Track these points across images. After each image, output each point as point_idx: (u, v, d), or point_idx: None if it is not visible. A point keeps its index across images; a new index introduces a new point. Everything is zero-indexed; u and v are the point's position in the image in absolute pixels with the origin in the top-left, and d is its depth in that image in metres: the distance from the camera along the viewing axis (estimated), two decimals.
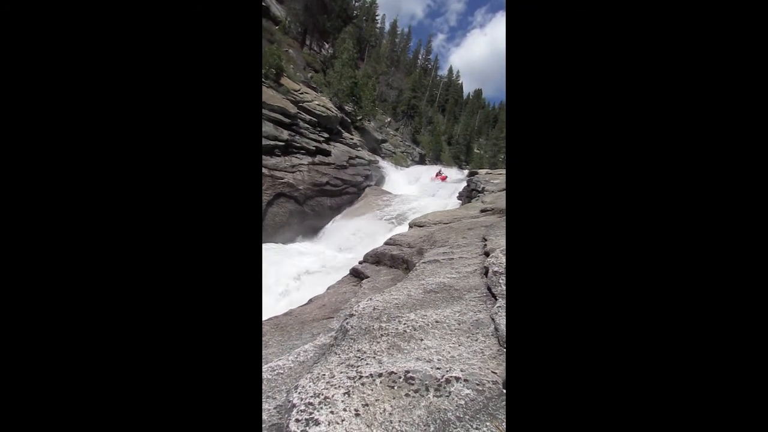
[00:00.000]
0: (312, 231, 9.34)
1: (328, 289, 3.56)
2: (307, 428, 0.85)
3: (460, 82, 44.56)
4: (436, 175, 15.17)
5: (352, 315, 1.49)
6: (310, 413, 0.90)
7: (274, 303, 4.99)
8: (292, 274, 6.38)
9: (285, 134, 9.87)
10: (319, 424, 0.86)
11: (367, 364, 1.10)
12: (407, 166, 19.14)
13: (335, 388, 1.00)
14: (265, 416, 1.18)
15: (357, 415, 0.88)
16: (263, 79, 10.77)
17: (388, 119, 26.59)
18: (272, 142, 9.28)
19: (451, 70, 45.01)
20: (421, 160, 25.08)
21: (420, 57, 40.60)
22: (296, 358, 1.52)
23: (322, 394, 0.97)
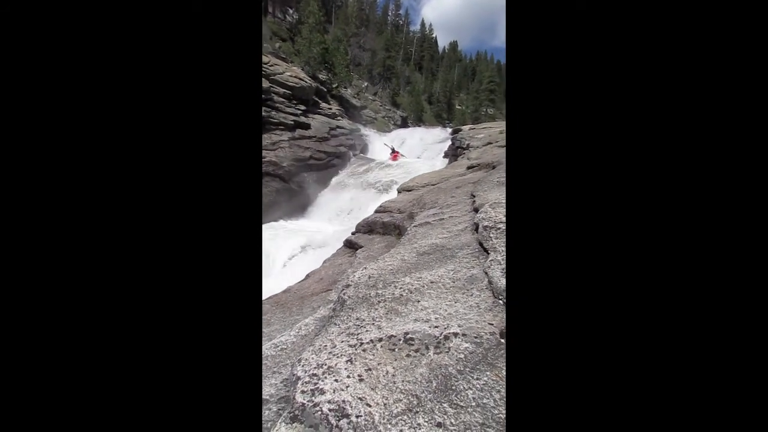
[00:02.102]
0: (301, 207, 9.26)
1: (324, 262, 3.57)
2: (313, 398, 0.87)
3: (434, 36, 42.65)
4: (391, 155, 12.75)
5: (348, 285, 1.50)
6: (315, 383, 0.92)
7: (271, 282, 5.02)
8: (286, 251, 6.38)
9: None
10: (325, 392, 0.87)
11: (366, 330, 1.11)
12: (390, 131, 18.74)
13: (337, 357, 1.01)
14: (273, 390, 1.21)
15: (361, 380, 0.89)
16: None
17: (365, 84, 25.64)
18: None
19: (423, 24, 43.05)
20: (404, 123, 24.54)
21: (390, 13, 38.48)
22: (298, 332, 1.54)
23: (326, 365, 0.99)
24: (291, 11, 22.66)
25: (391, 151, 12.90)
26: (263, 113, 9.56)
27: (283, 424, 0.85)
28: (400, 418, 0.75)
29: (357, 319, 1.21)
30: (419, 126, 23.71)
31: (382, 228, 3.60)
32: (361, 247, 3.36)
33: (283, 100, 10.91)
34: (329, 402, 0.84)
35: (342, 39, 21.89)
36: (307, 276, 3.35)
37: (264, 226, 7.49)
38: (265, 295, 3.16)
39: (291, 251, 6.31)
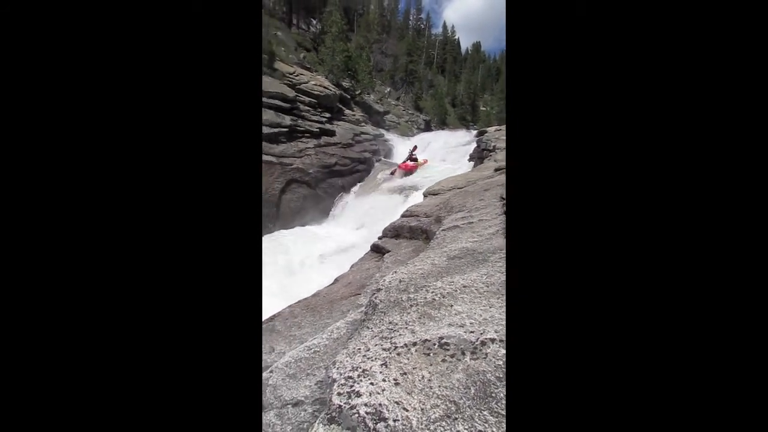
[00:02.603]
0: (327, 212, 9.41)
1: (352, 267, 3.61)
2: (350, 400, 0.88)
3: (456, 37, 42.32)
4: (403, 163, 10.51)
5: (379, 289, 1.50)
6: (351, 386, 0.92)
7: (300, 286, 5.13)
8: (314, 256, 6.50)
9: (287, 120, 9.77)
10: (361, 395, 0.88)
11: (400, 334, 1.11)
12: (413, 135, 18.74)
13: (372, 360, 1.02)
14: (308, 392, 1.23)
15: (396, 384, 0.89)
16: None
17: (388, 89, 25.82)
18: (276, 129, 9.22)
19: (445, 27, 42.75)
20: (427, 127, 24.45)
21: (411, 18, 38.59)
22: (330, 335, 1.56)
23: (360, 368, 0.99)
24: (314, 22, 23.29)
25: (409, 156, 10.87)
26: (290, 122, 9.85)
27: (321, 425, 0.86)
28: (438, 424, 0.74)
29: (390, 323, 1.21)
30: (443, 129, 23.54)
31: (409, 232, 3.59)
32: (388, 251, 3.37)
33: (309, 108, 11.19)
34: (366, 405, 0.84)
35: (364, 46, 22.22)
36: (336, 280, 3.39)
37: (291, 231, 7.68)
38: (294, 299, 3.23)
39: (318, 256, 6.42)
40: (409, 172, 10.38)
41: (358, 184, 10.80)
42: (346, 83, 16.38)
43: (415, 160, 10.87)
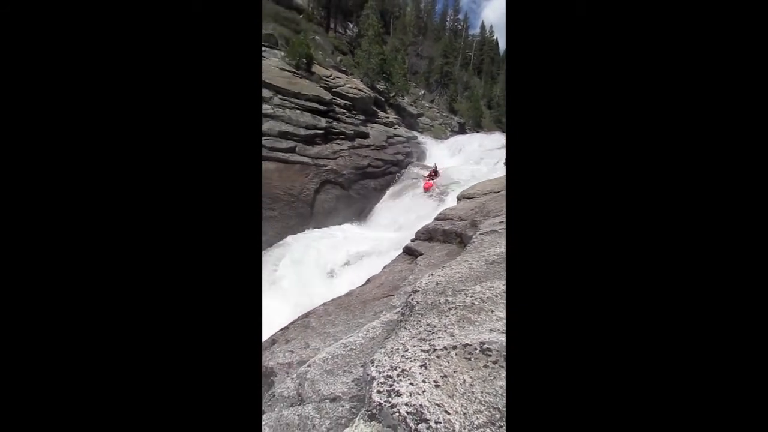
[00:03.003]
0: (359, 214, 9.53)
1: (384, 268, 3.63)
2: (390, 399, 0.88)
3: (494, 38, 41.33)
4: (428, 178, 10.27)
5: (416, 291, 1.50)
6: (391, 385, 0.93)
7: (332, 285, 5.23)
8: (346, 256, 6.61)
9: (323, 122, 10.02)
10: (401, 395, 0.88)
11: (439, 337, 1.10)
12: (446, 138, 18.52)
13: (411, 361, 1.02)
14: (345, 388, 1.25)
15: (437, 386, 0.89)
16: (295, 70, 10.92)
17: (422, 91, 25.73)
18: (312, 131, 9.48)
19: (483, 27, 41.91)
20: (461, 130, 24.06)
21: (448, 19, 38.22)
22: (366, 334, 1.58)
23: (399, 367, 1.00)
24: (351, 25, 23.74)
25: (431, 171, 10.47)
26: (326, 124, 10.09)
27: (362, 421, 0.87)
28: (482, 430, 0.73)
29: (428, 324, 1.21)
30: (477, 132, 23.07)
31: (443, 236, 3.55)
32: (421, 254, 3.36)
33: (344, 111, 11.41)
34: (406, 405, 0.84)
35: (400, 49, 22.32)
36: (368, 281, 3.43)
37: (324, 231, 7.85)
38: (327, 297, 3.30)
39: (349, 256, 6.52)
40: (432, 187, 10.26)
41: (391, 186, 10.84)
42: (380, 86, 16.53)
43: (436, 175, 10.67)
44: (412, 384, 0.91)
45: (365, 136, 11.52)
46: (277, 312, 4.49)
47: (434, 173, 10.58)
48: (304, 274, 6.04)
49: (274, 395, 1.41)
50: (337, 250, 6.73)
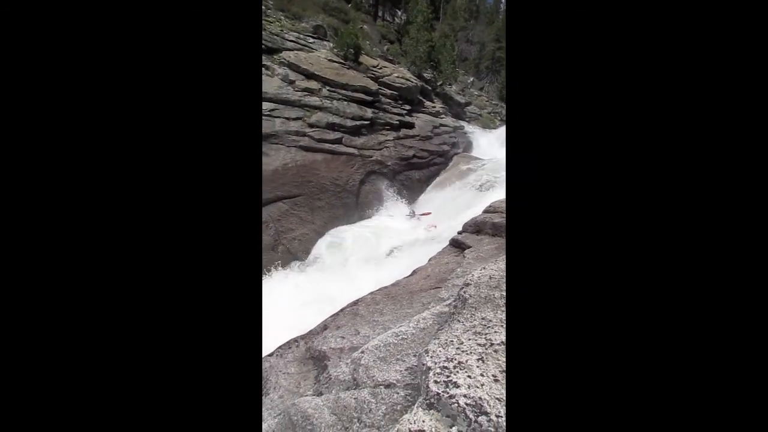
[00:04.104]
0: (404, 205, 9.53)
1: (430, 260, 3.62)
2: (447, 389, 0.90)
3: None
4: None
5: (468, 284, 1.49)
6: (447, 376, 0.94)
7: (377, 276, 5.34)
8: (391, 247, 6.68)
9: (369, 112, 10.09)
10: (459, 386, 0.89)
11: (495, 332, 1.09)
12: (495, 128, 17.76)
13: (467, 354, 1.02)
14: (398, 376, 1.29)
15: (496, 380, 0.88)
16: (343, 61, 11.06)
17: (471, 79, 24.78)
18: (358, 122, 9.60)
19: None
20: None
21: (503, 1, 36.19)
22: (417, 325, 1.60)
23: (455, 359, 1.01)
24: (399, 13, 23.40)
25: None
26: (372, 114, 10.15)
27: (420, 409, 0.90)
28: None
29: (482, 318, 1.20)
30: None
31: (492, 229, 3.45)
32: (469, 247, 3.29)
33: (390, 101, 11.38)
34: (465, 396, 0.85)
35: (449, 35, 21.60)
36: (414, 272, 3.45)
37: (368, 222, 7.97)
38: (374, 286, 3.37)
39: (394, 247, 6.58)
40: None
41: (436, 178, 10.69)
42: (427, 74, 16.20)
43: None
44: (470, 377, 0.92)
45: (411, 126, 11.42)
46: (327, 299, 4.68)
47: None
48: (349, 264, 6.22)
49: (330, 378, 1.49)
50: (380, 242, 6.82)
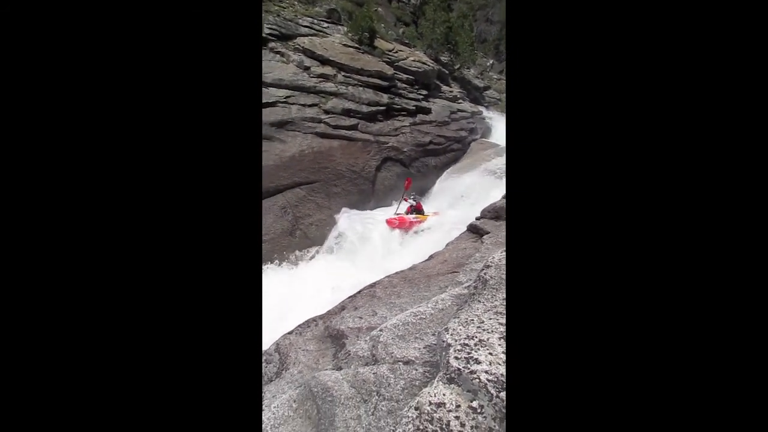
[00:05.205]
0: (420, 191, 9.47)
1: (447, 245, 3.60)
2: (468, 365, 0.90)
3: None
4: (402, 217, 6.91)
5: (488, 266, 1.47)
6: (468, 353, 0.94)
7: (393, 261, 5.36)
8: (406, 233, 6.68)
9: (385, 98, 9.95)
10: (480, 362, 0.89)
11: None
12: None
13: (488, 332, 1.02)
14: (417, 353, 1.30)
15: None
16: (358, 46, 10.90)
17: (491, 62, 24.00)
18: (374, 108, 9.50)
19: None
20: None
21: None
22: (435, 305, 1.61)
23: (476, 337, 1.00)
24: None
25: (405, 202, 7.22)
26: (387, 100, 10.02)
27: (440, 383, 0.90)
28: None
29: (503, 299, 1.18)
30: None
31: None
32: (487, 232, 3.25)
33: (406, 85, 11.18)
34: (486, 372, 0.85)
35: (467, 14, 20.86)
36: (431, 257, 3.44)
37: (384, 210, 7.97)
38: (390, 270, 3.39)
39: (411, 232, 6.58)
40: (405, 227, 6.65)
41: (453, 164, 10.53)
42: (445, 57, 15.79)
43: (418, 210, 7.09)
44: (491, 354, 0.91)
45: (427, 111, 11.22)
46: (343, 282, 4.75)
47: (413, 209, 7.09)
48: (366, 248, 6.27)
49: (349, 354, 1.52)
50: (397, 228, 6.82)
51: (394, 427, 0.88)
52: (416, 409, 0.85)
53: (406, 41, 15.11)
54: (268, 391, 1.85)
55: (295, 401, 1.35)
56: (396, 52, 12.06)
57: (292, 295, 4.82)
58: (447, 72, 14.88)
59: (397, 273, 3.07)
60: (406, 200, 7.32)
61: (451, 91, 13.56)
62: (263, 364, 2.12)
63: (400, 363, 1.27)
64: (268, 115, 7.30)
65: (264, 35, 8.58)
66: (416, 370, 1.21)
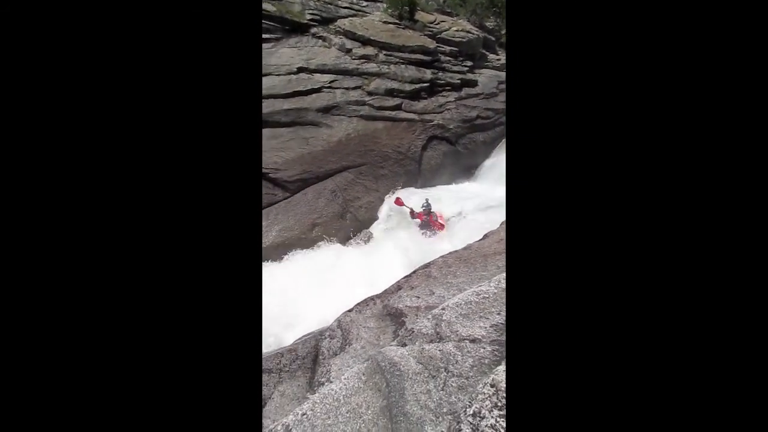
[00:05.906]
0: (468, 170, 9.18)
1: (502, 224, 3.48)
2: None
3: None
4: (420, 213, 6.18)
5: None
6: None
7: (446, 241, 5.31)
8: (453, 213, 6.56)
9: (428, 74, 9.63)
10: None
11: None
12: None
13: None
14: (483, 332, 1.29)
15: None
16: (398, 21, 10.57)
17: None
18: (417, 86, 9.25)
19: None
20: None
21: None
22: (498, 285, 1.57)
23: None
24: None
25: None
26: (431, 75, 9.69)
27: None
28: None
29: None
30: None
31: None
32: None
33: (450, 58, 10.68)
34: None
35: None
36: (485, 236, 3.36)
37: (432, 190, 7.86)
38: (444, 251, 3.37)
39: (460, 212, 6.45)
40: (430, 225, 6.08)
41: (503, 139, 9.99)
42: (490, 23, 14.75)
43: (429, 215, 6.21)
44: None
45: (473, 84, 10.67)
46: (393, 262, 4.83)
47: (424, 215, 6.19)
48: (416, 229, 6.27)
49: (412, 331, 1.56)
50: (446, 208, 6.72)
51: (470, 402, 0.90)
52: (492, 386, 0.86)
53: (449, 10, 14.32)
54: (333, 364, 1.98)
55: (363, 374, 1.42)
56: (438, 23, 11.51)
57: (346, 275, 5.00)
58: (493, 39, 13.92)
59: (451, 253, 3.04)
60: (413, 214, 6.34)
61: (498, 59, 12.72)
62: (326, 339, 2.26)
63: (467, 341, 1.27)
64: (315, 101, 7.45)
65: (305, 21, 8.66)
66: (484, 348, 1.20)
